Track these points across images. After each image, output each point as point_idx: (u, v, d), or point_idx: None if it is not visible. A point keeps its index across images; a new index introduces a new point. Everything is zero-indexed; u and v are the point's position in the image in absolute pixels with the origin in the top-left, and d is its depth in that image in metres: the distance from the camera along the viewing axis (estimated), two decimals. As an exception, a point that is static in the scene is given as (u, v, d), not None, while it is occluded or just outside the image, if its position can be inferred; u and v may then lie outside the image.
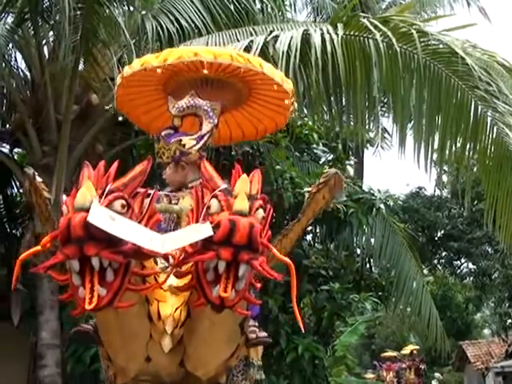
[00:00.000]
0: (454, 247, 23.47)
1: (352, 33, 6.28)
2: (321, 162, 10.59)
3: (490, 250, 23.44)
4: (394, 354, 18.83)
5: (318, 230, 9.34)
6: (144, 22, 7.56)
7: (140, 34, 7.52)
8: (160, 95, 3.89)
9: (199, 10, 7.93)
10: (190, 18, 7.84)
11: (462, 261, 25.26)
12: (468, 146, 6.20)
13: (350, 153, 12.24)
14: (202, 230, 2.19)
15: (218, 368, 2.83)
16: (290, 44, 6.13)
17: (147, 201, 2.35)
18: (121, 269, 2.15)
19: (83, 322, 3.06)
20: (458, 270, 25.82)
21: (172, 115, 3.43)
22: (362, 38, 6.22)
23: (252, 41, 6.35)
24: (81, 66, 7.40)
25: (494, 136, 6.02)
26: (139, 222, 2.24)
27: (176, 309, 2.70)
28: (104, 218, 2.06)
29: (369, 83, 6.30)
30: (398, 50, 5.89)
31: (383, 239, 9.43)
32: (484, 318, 33.95)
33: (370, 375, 19.18)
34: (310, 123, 9.31)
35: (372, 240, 9.69)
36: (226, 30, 7.50)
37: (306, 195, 2.85)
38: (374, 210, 8.68)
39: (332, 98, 6.73)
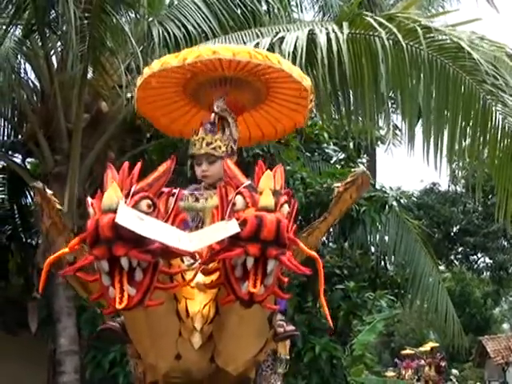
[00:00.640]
0: (470, 242, 23.38)
1: (357, 31, 6.28)
2: (332, 162, 10.58)
3: (506, 243, 23.29)
4: (413, 351, 18.71)
5: (331, 229, 9.34)
6: (150, 29, 7.60)
7: (147, 41, 7.57)
8: (179, 97, 3.88)
9: (205, 15, 7.96)
10: (196, 22, 7.86)
11: (479, 255, 25.15)
12: (477, 140, 6.18)
13: (362, 151, 12.24)
14: (228, 227, 2.19)
15: (247, 363, 2.84)
16: (295, 44, 6.14)
17: (172, 200, 2.36)
18: (149, 268, 2.16)
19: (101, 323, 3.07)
20: (475, 265, 25.69)
21: (214, 112, 3.49)
22: (367, 36, 6.22)
23: (258, 43, 6.38)
24: (89, 75, 7.45)
25: (504, 130, 6.00)
26: (165, 222, 2.25)
27: (204, 306, 2.70)
28: (131, 219, 2.08)
29: (376, 81, 6.30)
30: (404, 46, 5.88)
31: (397, 236, 9.41)
32: (503, 313, 33.75)
33: (390, 373, 19.07)
34: (320, 122, 9.30)
35: (386, 237, 9.68)
36: (233, 33, 7.53)
37: (335, 193, 2.83)
38: (387, 207, 8.66)
39: (340, 97, 6.74)
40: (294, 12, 9.85)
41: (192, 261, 2.64)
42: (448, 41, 6.07)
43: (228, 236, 2.18)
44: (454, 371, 19.11)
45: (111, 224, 2.05)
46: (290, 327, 3.18)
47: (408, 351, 18.76)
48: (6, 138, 8.88)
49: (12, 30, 7.15)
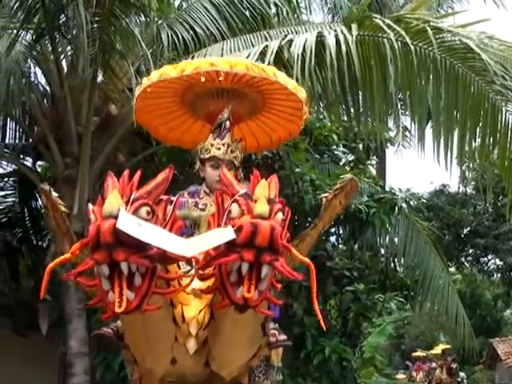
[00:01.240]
0: (480, 244, 23.28)
1: (366, 33, 6.28)
2: (341, 164, 10.55)
3: (516, 245, 23.19)
4: (424, 353, 18.65)
5: (341, 232, 9.33)
6: (160, 32, 7.63)
7: (156, 44, 7.60)
8: (177, 107, 3.95)
9: (214, 18, 7.98)
10: (204, 25, 7.89)
11: (489, 257, 25.04)
12: (487, 141, 6.16)
13: (371, 153, 12.21)
14: (224, 234, 2.25)
15: (241, 368, 2.91)
16: (304, 47, 6.15)
17: (170, 207, 2.43)
18: (148, 273, 2.23)
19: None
20: (486, 267, 25.58)
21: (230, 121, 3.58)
22: (376, 38, 6.22)
23: (267, 45, 6.38)
24: (99, 78, 7.49)
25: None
26: (163, 228, 2.32)
27: (200, 311, 2.77)
28: (132, 225, 2.14)
29: (385, 82, 6.29)
30: (413, 47, 5.88)
31: (406, 238, 9.38)
32: (514, 315, 33.51)
33: (401, 376, 19.03)
34: (329, 124, 9.29)
35: (396, 239, 9.65)
36: (241, 35, 7.54)
37: (323, 200, 2.87)
38: (396, 209, 8.64)
39: (349, 99, 6.74)
40: (302, 14, 9.84)
41: (188, 267, 2.71)
42: (457, 41, 6.06)
43: (224, 242, 2.24)
44: (462, 374, 19.00)
45: (112, 230, 2.10)
46: (283, 336, 3.27)
47: (419, 353, 18.70)
48: (16, 141, 8.95)
49: (22, 35, 7.18)
